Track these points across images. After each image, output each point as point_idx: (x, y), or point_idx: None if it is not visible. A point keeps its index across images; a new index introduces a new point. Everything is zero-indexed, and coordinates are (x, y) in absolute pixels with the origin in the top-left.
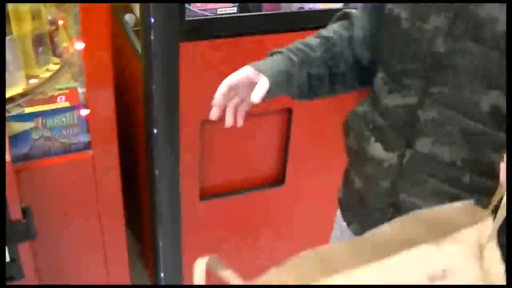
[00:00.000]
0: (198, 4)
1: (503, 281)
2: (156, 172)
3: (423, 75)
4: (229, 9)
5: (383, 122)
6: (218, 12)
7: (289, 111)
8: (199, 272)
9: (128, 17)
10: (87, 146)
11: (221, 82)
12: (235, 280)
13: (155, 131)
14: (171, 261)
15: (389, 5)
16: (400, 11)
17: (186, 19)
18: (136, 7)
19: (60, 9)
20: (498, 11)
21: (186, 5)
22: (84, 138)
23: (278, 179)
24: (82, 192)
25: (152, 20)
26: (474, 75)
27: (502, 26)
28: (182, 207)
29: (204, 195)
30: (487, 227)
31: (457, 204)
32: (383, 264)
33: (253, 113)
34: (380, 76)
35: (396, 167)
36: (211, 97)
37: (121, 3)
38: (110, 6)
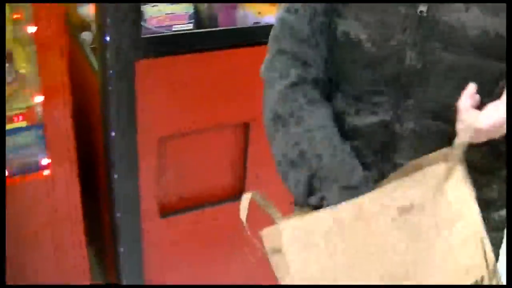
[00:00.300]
0: (154, 21)
1: (469, 210)
2: (115, 190)
3: (396, 91)
4: (185, 26)
5: (353, 143)
6: (173, 29)
7: (246, 125)
8: (243, 205)
9: (85, 35)
10: (46, 165)
11: (178, 99)
12: (277, 215)
13: (114, 148)
14: (134, 279)
15: (343, 29)
16: (359, 34)
17: (142, 36)
18: (93, 24)
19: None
20: (466, 17)
21: (142, 22)
22: (43, 157)
23: (238, 193)
24: (42, 212)
25: (108, 38)
26: (446, 81)
27: (472, 31)
28: (143, 225)
29: (165, 212)
30: (450, 164)
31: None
32: (365, 198)
33: (211, 128)
34: (339, 97)
35: (377, 181)
36: (168, 114)
37: (78, 21)
38: (64, 22)
